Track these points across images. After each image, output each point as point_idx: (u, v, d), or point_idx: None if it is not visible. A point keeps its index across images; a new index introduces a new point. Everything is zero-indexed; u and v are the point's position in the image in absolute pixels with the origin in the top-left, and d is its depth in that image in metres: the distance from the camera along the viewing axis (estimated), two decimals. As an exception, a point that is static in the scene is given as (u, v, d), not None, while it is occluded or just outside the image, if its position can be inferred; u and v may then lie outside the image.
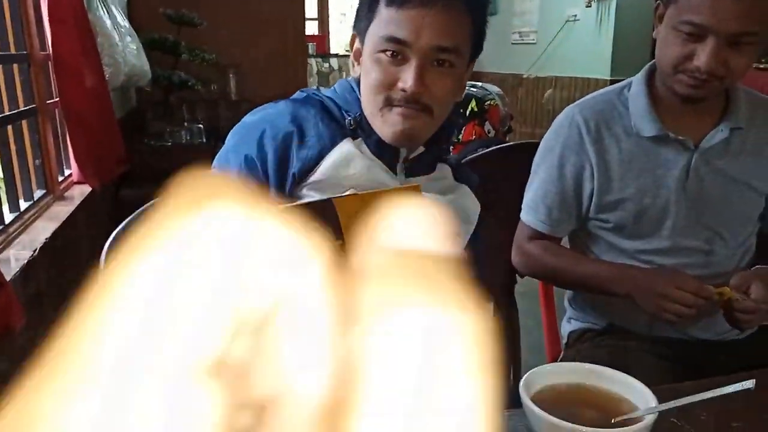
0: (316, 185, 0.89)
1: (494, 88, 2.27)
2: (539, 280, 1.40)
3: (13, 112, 1.40)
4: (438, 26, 0.86)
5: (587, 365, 0.70)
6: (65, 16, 1.57)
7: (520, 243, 1.30)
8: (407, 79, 0.85)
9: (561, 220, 1.23)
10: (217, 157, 0.96)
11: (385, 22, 0.86)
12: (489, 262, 1.90)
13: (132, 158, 2.02)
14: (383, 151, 0.93)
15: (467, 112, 2.06)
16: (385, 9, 0.87)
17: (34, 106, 1.56)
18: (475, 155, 1.82)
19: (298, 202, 0.80)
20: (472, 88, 2.17)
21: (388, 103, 0.89)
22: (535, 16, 5.36)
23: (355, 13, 0.94)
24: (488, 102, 2.09)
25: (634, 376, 1.11)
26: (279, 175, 0.90)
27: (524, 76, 5.58)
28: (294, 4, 2.78)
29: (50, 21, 1.54)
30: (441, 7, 0.85)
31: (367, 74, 0.90)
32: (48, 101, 1.65)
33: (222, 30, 2.70)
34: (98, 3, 1.89)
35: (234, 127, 0.96)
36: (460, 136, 2.03)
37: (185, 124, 2.34)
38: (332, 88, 0.99)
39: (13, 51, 1.47)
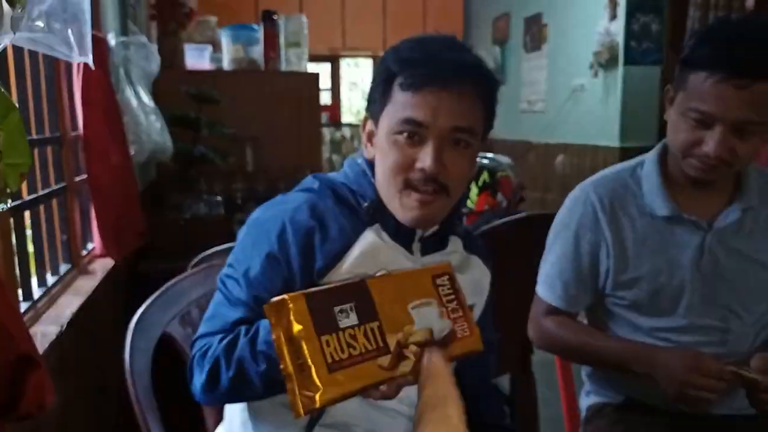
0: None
1: (505, 159, 2.32)
2: (556, 355, 1.40)
3: (46, 192, 1.46)
4: (454, 108, 0.88)
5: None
6: (96, 98, 1.66)
7: (537, 318, 1.31)
8: (426, 159, 0.87)
9: (577, 296, 1.24)
10: (233, 254, 0.95)
11: (402, 105, 0.89)
12: (504, 334, 1.90)
13: (150, 231, 2.07)
14: (401, 234, 0.95)
15: (479, 183, 2.11)
16: (400, 93, 0.89)
17: (64, 184, 1.62)
18: (488, 226, 1.86)
19: (333, 284, 0.81)
20: (483, 160, 2.23)
21: (407, 185, 0.90)
22: (543, 85, 5.51)
23: (367, 96, 0.97)
24: (500, 173, 2.14)
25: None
26: (304, 272, 0.90)
27: (534, 143, 5.69)
28: (309, 78, 2.90)
29: (82, 104, 1.62)
30: (456, 90, 0.88)
31: (385, 156, 0.91)
32: (76, 178, 1.72)
33: (240, 105, 2.81)
34: (126, 85, 1.99)
35: (247, 223, 0.97)
36: (473, 207, 2.07)
37: (204, 196, 2.40)
38: (343, 171, 1.01)
39: (47, 134, 1.55)
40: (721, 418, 1.19)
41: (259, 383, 0.83)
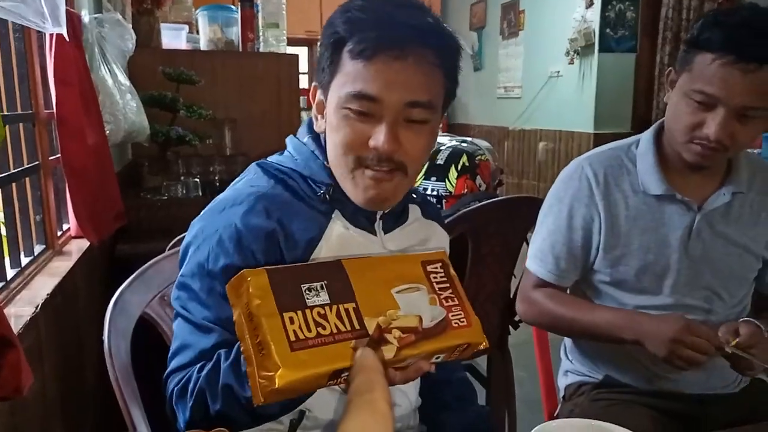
0: None
1: (484, 143, 2.33)
2: (544, 329, 1.41)
3: (18, 169, 1.43)
4: (410, 80, 0.79)
5: (590, 421, 0.72)
6: (70, 76, 1.62)
7: (526, 291, 1.31)
8: (379, 137, 0.79)
9: (568, 270, 1.25)
10: (183, 272, 0.85)
11: (352, 76, 0.79)
12: (482, 314, 1.92)
13: (128, 213, 2.04)
14: (360, 215, 0.88)
15: (458, 167, 2.11)
16: (351, 62, 0.80)
17: (37, 163, 1.59)
18: (467, 209, 1.87)
19: (311, 262, 0.78)
20: (462, 143, 2.23)
21: (360, 164, 0.82)
22: (520, 71, 5.54)
23: (316, 63, 0.87)
24: (479, 157, 2.14)
25: (632, 431, 1.12)
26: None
27: (510, 129, 5.72)
28: (288, 60, 2.87)
29: (56, 81, 1.58)
30: (413, 59, 0.78)
31: (335, 131, 0.83)
32: (50, 158, 1.68)
33: (218, 86, 2.77)
34: (101, 63, 1.94)
35: (193, 234, 0.86)
36: (452, 190, 2.08)
37: (181, 178, 2.37)
38: (288, 154, 0.91)
39: (19, 110, 1.51)
40: (697, 396, 1.22)
41: (250, 410, 0.73)
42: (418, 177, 2.17)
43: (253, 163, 0.92)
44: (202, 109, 2.42)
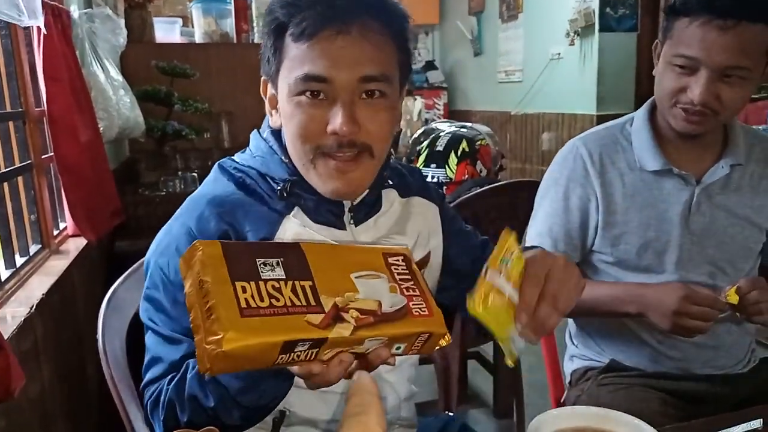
0: None
1: (484, 128, 2.29)
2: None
3: (10, 168, 1.41)
4: (357, 54, 0.74)
5: (594, 409, 0.70)
6: (60, 73, 1.60)
7: None
8: (336, 120, 0.74)
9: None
10: (146, 288, 0.83)
11: (298, 59, 0.75)
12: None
13: (126, 209, 2.02)
14: (324, 210, 0.83)
15: (458, 153, 2.08)
16: (293, 45, 0.75)
17: (30, 161, 1.57)
18: (468, 195, 1.84)
19: (267, 242, 0.75)
20: (462, 129, 2.20)
21: (320, 153, 0.77)
22: (520, 55, 5.47)
23: (262, 56, 0.81)
24: (479, 142, 2.11)
25: (639, 414, 1.10)
26: None
27: (512, 113, 5.67)
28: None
29: (45, 78, 1.56)
30: (357, 32, 0.74)
31: (289, 122, 0.78)
32: (43, 156, 1.66)
33: (214, 79, 2.74)
34: (92, 58, 1.92)
35: (151, 251, 0.84)
36: (453, 176, 2.05)
37: (179, 173, 2.35)
38: (248, 152, 0.87)
39: (9, 109, 1.49)
40: (702, 377, 1.20)
41: (214, 419, 0.71)
42: (418, 164, 2.15)
43: (216, 163, 0.89)
44: (198, 102, 2.40)
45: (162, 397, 0.76)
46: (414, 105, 6.56)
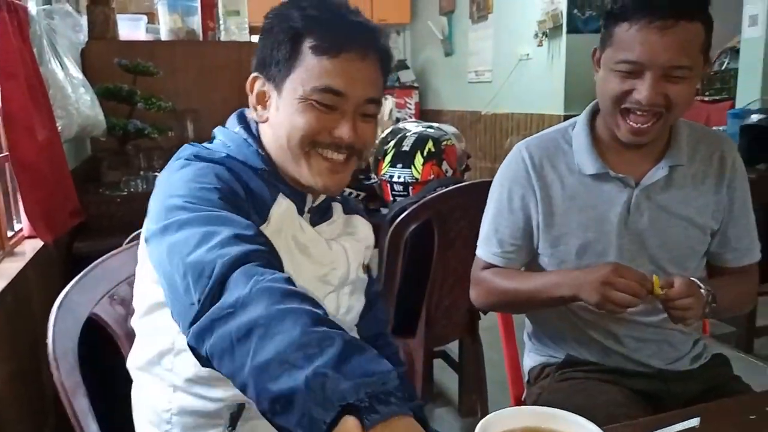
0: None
1: (450, 129, 2.31)
2: (495, 309, 1.41)
3: (-40, 169, 1.37)
4: (368, 78, 0.88)
5: (540, 408, 0.71)
6: (16, 70, 1.56)
7: (475, 275, 1.32)
8: (344, 129, 0.87)
9: (513, 252, 1.26)
10: (160, 195, 0.82)
11: (317, 70, 0.85)
12: (451, 300, 1.92)
13: (86, 210, 1.99)
14: (294, 203, 0.92)
15: (424, 153, 2.09)
16: (313, 57, 0.85)
17: (-17, 161, 1.53)
18: (432, 195, 1.85)
19: None
20: (428, 129, 2.21)
21: (314, 147, 0.88)
22: (490, 55, 5.52)
23: (260, 55, 0.90)
24: (445, 142, 2.12)
25: (594, 408, 1.13)
26: (251, 211, 0.85)
27: (483, 113, 5.71)
28: (251, 48, 2.81)
29: (0, 76, 1.52)
30: (371, 59, 0.88)
31: (293, 120, 0.88)
32: (-2, 155, 1.62)
33: (179, 77, 2.70)
34: (50, 56, 1.88)
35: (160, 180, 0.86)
36: (419, 176, 2.06)
37: (141, 172, 2.31)
38: (221, 143, 0.93)
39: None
40: (658, 372, 1.23)
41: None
42: (384, 164, 2.15)
43: (181, 160, 0.89)
44: (162, 101, 2.36)
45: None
46: (385, 104, 6.57)
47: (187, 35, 2.84)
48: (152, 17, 3.28)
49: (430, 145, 2.12)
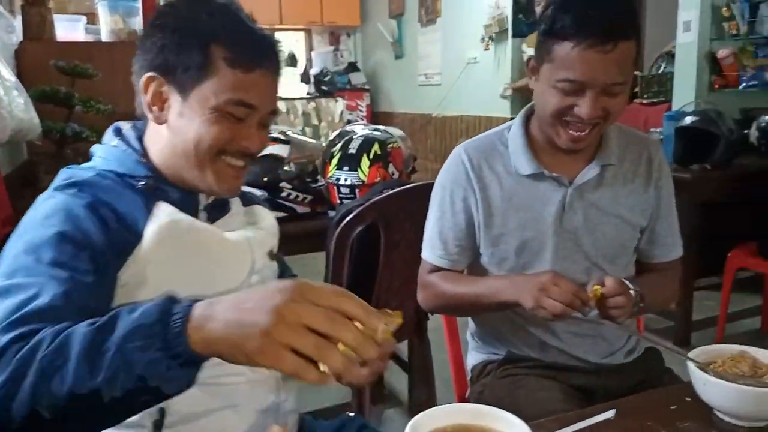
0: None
1: (396, 131, 2.33)
2: (441, 311, 1.43)
3: None
4: (274, 92, 0.94)
5: (472, 406, 0.73)
6: (-59, 71, 1.49)
7: (421, 278, 1.34)
8: (254, 140, 0.91)
9: (458, 253, 1.28)
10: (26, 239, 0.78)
11: (231, 84, 0.86)
12: (398, 302, 1.93)
13: (21, 216, 1.91)
14: (184, 206, 0.92)
15: (371, 156, 2.10)
16: (227, 69, 0.86)
17: None
18: (377, 197, 1.86)
19: None
20: (375, 132, 2.22)
21: (220, 158, 0.90)
22: (439, 58, 5.59)
23: (160, 56, 0.88)
24: (391, 144, 2.14)
25: (533, 404, 1.15)
26: (108, 246, 0.81)
27: (433, 115, 5.77)
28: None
29: (-77, 78, 1.46)
30: (275, 73, 0.93)
31: (201, 127, 0.88)
32: None
33: (120, 79, 2.63)
34: (-20, 57, 1.81)
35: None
36: (365, 179, 2.07)
37: (81, 177, 2.25)
38: (100, 159, 0.93)
39: None
40: (594, 367, 1.27)
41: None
42: (331, 167, 2.15)
43: (49, 190, 0.87)
44: (101, 103, 2.30)
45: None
46: (336, 107, 6.57)
47: (128, 36, 2.78)
48: (93, 18, 3.20)
49: (376, 147, 2.13)
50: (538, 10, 4.37)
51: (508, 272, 1.25)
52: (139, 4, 2.77)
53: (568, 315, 1.07)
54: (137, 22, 2.80)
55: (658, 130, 3.15)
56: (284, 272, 1.11)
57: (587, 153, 1.23)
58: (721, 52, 3.35)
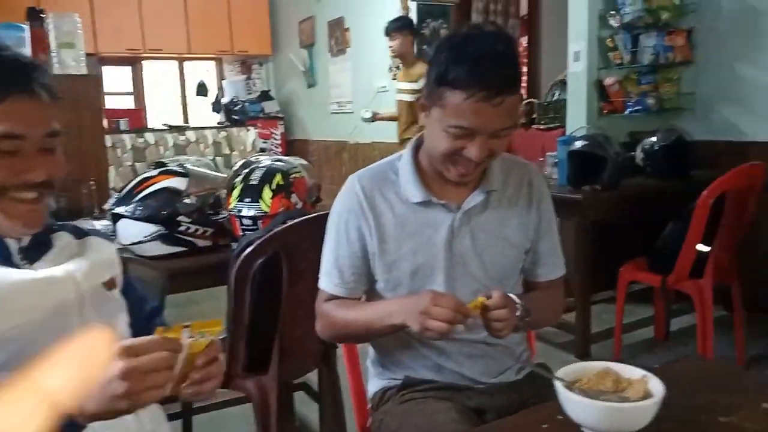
0: None
1: (300, 161, 2.34)
2: (338, 340, 1.45)
3: None
4: (44, 114, 0.87)
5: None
6: None
7: (318, 307, 1.34)
8: (37, 170, 0.86)
9: (354, 281, 1.30)
10: None
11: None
12: (303, 331, 1.92)
13: None
14: None
15: (273, 186, 2.10)
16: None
17: None
18: (280, 227, 1.86)
19: None
20: (277, 162, 2.22)
21: (4, 193, 0.86)
22: (349, 87, 5.68)
23: None
24: (294, 175, 2.15)
25: (432, 427, 1.17)
26: None
27: (347, 143, 5.83)
28: (88, 81, 2.68)
29: None
30: (34, 95, 0.86)
31: None
32: None
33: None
34: None
35: None
36: (268, 210, 2.06)
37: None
38: None
39: None
40: (488, 386, 1.31)
41: None
42: (232, 199, 2.13)
43: None
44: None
45: None
46: (248, 135, 6.51)
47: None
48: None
49: (278, 178, 2.13)
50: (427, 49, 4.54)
51: (402, 297, 1.28)
52: (27, 35, 2.66)
53: (454, 331, 1.10)
54: (25, 53, 2.68)
55: (553, 154, 3.32)
56: (141, 302, 1.08)
57: (473, 180, 1.30)
58: (608, 80, 3.59)
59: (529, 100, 4.83)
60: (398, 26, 4.01)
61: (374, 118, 4.54)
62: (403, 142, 4.09)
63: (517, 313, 1.17)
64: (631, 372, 0.93)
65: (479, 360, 1.31)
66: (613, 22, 3.52)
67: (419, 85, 3.80)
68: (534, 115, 4.34)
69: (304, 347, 1.94)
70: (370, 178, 1.31)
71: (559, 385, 0.89)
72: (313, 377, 2.28)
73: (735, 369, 1.13)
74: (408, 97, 4.04)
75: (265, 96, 6.96)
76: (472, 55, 1.12)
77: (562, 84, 4.13)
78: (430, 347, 1.30)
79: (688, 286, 2.58)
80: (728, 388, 1.01)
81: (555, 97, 4.23)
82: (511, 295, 1.18)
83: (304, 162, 2.37)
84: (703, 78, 3.57)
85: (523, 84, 5.24)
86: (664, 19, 3.50)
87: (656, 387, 0.88)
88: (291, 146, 6.80)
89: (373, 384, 1.42)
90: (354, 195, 1.30)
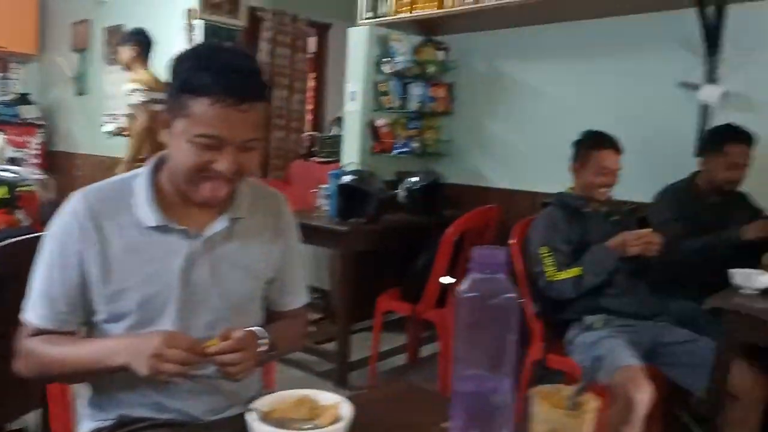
0: None
1: (39, 175, 2.11)
2: (47, 381, 1.28)
3: None
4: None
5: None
6: None
7: (19, 344, 1.17)
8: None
9: (68, 312, 1.17)
10: None
11: None
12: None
13: None
14: None
15: (-5, 200, 1.84)
16: None
17: None
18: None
19: None
20: (3, 173, 1.96)
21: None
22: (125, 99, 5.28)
23: None
24: (23, 188, 1.91)
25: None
26: None
27: (123, 159, 5.39)
28: None
29: None
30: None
31: None
32: None
33: None
34: None
35: None
36: (-15, 227, 1.79)
37: None
38: None
39: None
40: (205, 424, 1.25)
41: None
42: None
43: None
44: None
45: None
46: (-5, 141, 5.69)
47: None
48: None
49: (3, 191, 1.88)
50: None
51: (127, 330, 1.18)
52: None
53: (189, 373, 1.06)
54: None
55: (326, 186, 3.43)
56: None
57: (217, 206, 1.25)
58: (379, 122, 3.83)
59: (311, 133, 4.96)
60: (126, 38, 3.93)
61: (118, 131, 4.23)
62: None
63: (262, 348, 1.16)
64: (327, 399, 0.96)
65: (205, 396, 1.25)
66: (387, 69, 3.78)
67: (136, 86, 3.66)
68: (315, 148, 4.45)
69: (19, 387, 1.70)
70: (98, 197, 1.19)
71: (248, 417, 0.88)
72: (33, 418, 2.01)
73: (430, 393, 1.23)
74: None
75: (23, 99, 6.17)
76: (217, 62, 1.09)
77: (340, 121, 4.32)
78: (152, 385, 1.21)
79: (433, 315, 2.81)
80: (419, 410, 1.10)
81: (333, 132, 4.40)
82: (255, 329, 1.16)
83: (43, 176, 2.13)
84: (458, 128, 4.02)
85: (309, 117, 5.37)
86: (429, 72, 3.87)
87: (346, 412, 0.92)
88: (52, 158, 6.09)
89: (85, 426, 1.28)
90: (75, 216, 1.16)
